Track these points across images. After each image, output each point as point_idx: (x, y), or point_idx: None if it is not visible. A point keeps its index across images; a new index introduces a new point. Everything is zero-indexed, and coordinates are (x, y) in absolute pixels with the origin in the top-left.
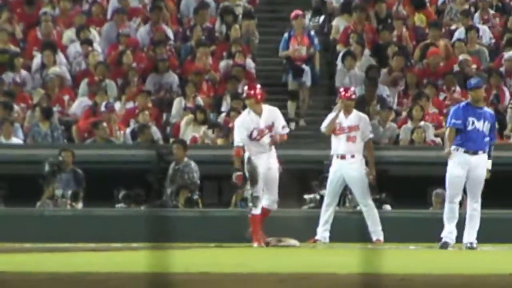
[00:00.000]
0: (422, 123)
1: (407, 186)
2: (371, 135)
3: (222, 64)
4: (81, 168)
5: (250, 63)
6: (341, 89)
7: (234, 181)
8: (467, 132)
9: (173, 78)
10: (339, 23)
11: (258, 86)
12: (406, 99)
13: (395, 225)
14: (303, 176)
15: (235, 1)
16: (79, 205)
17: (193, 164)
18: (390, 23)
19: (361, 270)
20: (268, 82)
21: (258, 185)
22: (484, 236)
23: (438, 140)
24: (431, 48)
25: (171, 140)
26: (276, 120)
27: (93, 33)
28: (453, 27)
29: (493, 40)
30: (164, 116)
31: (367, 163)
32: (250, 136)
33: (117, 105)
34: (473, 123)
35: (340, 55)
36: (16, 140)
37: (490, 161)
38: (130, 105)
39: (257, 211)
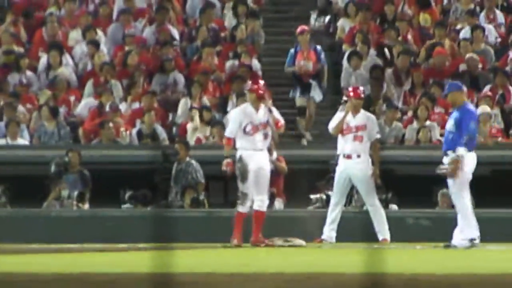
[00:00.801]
0: (427, 122)
1: (413, 186)
2: (378, 135)
3: (228, 64)
4: (87, 168)
5: (256, 63)
6: (350, 88)
7: (224, 168)
8: None
9: (179, 78)
10: (344, 23)
11: (262, 82)
12: (412, 99)
13: (401, 224)
14: (309, 176)
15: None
16: (86, 206)
17: (195, 163)
18: (394, 23)
19: (367, 270)
20: (273, 82)
21: (248, 183)
22: (489, 235)
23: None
24: (437, 48)
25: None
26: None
27: (99, 33)
28: (458, 26)
29: (499, 39)
30: (170, 116)
31: (373, 163)
32: (244, 130)
33: (123, 106)
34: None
35: (346, 55)
36: (22, 141)
37: (462, 149)
38: (136, 105)
39: (243, 209)
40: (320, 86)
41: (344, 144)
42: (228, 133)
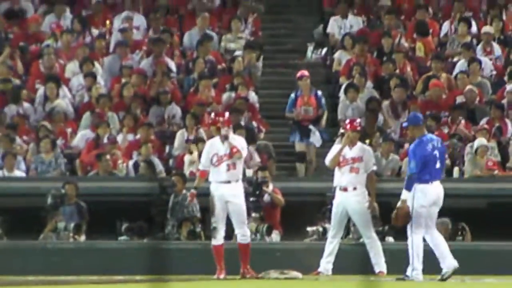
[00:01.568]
0: None
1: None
2: (375, 167)
3: (225, 96)
4: (84, 200)
5: (252, 95)
6: (347, 121)
7: (189, 198)
8: None
9: (175, 110)
10: (341, 56)
11: (227, 114)
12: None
13: (398, 257)
14: (305, 208)
15: (237, 34)
16: (82, 238)
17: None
18: (391, 56)
19: None
20: (270, 115)
21: (216, 216)
22: (486, 268)
23: None
24: (433, 80)
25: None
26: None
27: (96, 65)
28: (455, 59)
29: (495, 72)
30: (167, 148)
31: (369, 195)
32: (211, 162)
33: (120, 138)
34: None
35: (343, 87)
36: (19, 172)
37: (405, 192)
38: (132, 137)
39: (216, 241)
40: (320, 131)
41: (341, 176)
42: (200, 165)
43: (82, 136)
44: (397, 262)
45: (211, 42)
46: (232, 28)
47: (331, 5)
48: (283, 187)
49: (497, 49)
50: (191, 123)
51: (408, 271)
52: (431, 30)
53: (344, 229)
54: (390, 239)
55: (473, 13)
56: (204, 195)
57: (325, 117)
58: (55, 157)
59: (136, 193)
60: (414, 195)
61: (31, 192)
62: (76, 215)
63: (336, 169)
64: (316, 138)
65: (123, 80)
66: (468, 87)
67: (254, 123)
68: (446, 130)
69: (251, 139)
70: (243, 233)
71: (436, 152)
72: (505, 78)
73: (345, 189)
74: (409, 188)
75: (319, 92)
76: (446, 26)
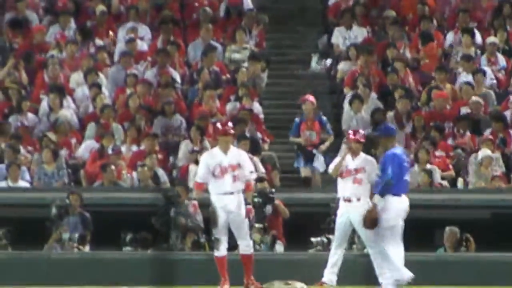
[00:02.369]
0: (428, 166)
1: (414, 229)
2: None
3: (229, 107)
4: (88, 211)
5: (257, 106)
6: (350, 131)
7: (191, 208)
8: None
9: (180, 121)
10: (345, 66)
11: (230, 124)
12: (413, 142)
13: None
14: (310, 219)
15: (242, 44)
16: (86, 248)
17: (190, 205)
18: (393, 66)
19: None
20: (274, 125)
21: (218, 227)
22: (490, 279)
23: (445, 183)
24: (437, 91)
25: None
26: (242, 162)
27: (101, 76)
28: (459, 70)
29: (494, 81)
30: (171, 159)
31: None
32: (213, 174)
33: (124, 148)
34: None
35: (347, 98)
36: (23, 183)
37: (377, 197)
38: (136, 148)
39: (219, 253)
40: (324, 157)
41: (344, 187)
42: (197, 177)
43: (86, 147)
44: None
45: (216, 53)
46: (236, 38)
47: (336, 16)
48: (287, 197)
49: (501, 59)
50: (196, 134)
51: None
52: (435, 42)
53: (348, 240)
54: None
55: (478, 24)
56: (208, 206)
57: (328, 143)
58: (57, 168)
59: (141, 204)
60: (388, 207)
61: (36, 202)
62: (81, 225)
63: (339, 179)
64: (320, 163)
65: (128, 91)
66: (473, 98)
67: (259, 134)
68: (450, 141)
69: (255, 150)
70: (246, 244)
71: (406, 164)
72: (510, 88)
73: (348, 200)
74: (383, 193)
75: (324, 118)
76: (450, 36)
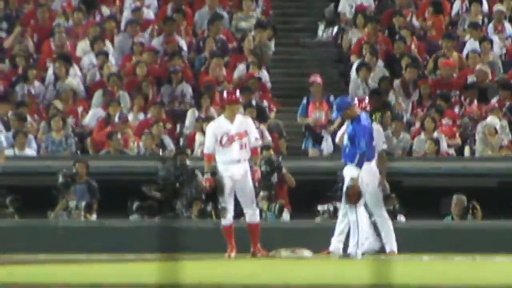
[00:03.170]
0: (435, 134)
1: (421, 197)
2: (384, 146)
3: (236, 75)
4: (95, 179)
5: (265, 75)
6: (356, 100)
7: (204, 184)
8: None
9: (186, 89)
10: (352, 34)
11: (238, 92)
12: (420, 110)
13: (409, 236)
14: (316, 187)
15: (248, 12)
16: (93, 217)
17: (200, 175)
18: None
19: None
20: (282, 93)
21: (225, 196)
22: (496, 246)
23: (452, 151)
24: (444, 60)
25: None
26: (249, 129)
27: (107, 44)
28: (466, 38)
29: (504, 51)
30: (178, 127)
31: (380, 173)
32: (220, 143)
33: (131, 116)
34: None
35: (354, 66)
36: (30, 151)
37: (355, 169)
38: (143, 116)
39: (226, 221)
40: (332, 138)
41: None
42: (205, 149)
43: (93, 115)
44: (409, 241)
45: (222, 21)
46: (243, 7)
47: None
48: (295, 166)
49: (508, 27)
50: (207, 102)
51: (353, 248)
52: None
53: None
54: (401, 218)
55: None
56: (215, 174)
57: (336, 124)
58: (65, 136)
59: (148, 172)
60: (366, 175)
61: (42, 171)
62: (87, 193)
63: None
64: (328, 145)
65: (134, 59)
66: (479, 66)
67: (265, 102)
68: (457, 110)
69: (262, 118)
70: (252, 213)
71: (372, 131)
72: None
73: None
74: (360, 165)
75: (331, 97)
76: (457, 5)
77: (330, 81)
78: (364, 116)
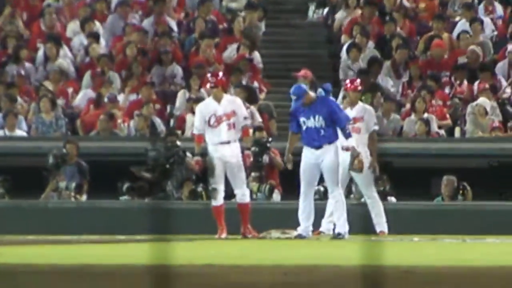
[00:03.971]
0: (425, 115)
1: (411, 178)
2: (376, 127)
3: (226, 55)
4: (85, 160)
5: (256, 56)
6: (347, 81)
7: (192, 166)
8: (304, 132)
9: (177, 70)
10: (343, 15)
11: (221, 73)
12: (410, 91)
13: (399, 217)
14: None
15: None
16: (83, 197)
17: (190, 155)
18: (391, 15)
19: (365, 262)
20: (272, 74)
21: (215, 177)
22: (488, 227)
23: (442, 132)
24: (435, 41)
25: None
26: (237, 109)
27: (97, 25)
28: (456, 19)
29: (495, 32)
30: (168, 108)
31: (371, 155)
32: (208, 123)
33: (121, 97)
34: (304, 122)
35: (345, 47)
36: (20, 132)
37: (351, 139)
38: (134, 97)
39: (216, 202)
40: None
41: (342, 136)
42: (194, 129)
43: (83, 96)
44: (399, 222)
45: (212, 2)
46: None
47: None
48: (284, 147)
49: (499, 8)
50: (196, 83)
51: (341, 228)
52: None
53: (346, 189)
54: (392, 199)
55: None
56: (206, 155)
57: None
58: (55, 117)
59: (138, 153)
60: (337, 151)
61: (33, 151)
62: (78, 174)
63: (338, 129)
64: None
65: (125, 39)
66: (471, 47)
67: (256, 83)
68: (447, 91)
69: (252, 99)
70: (243, 193)
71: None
72: (508, 36)
73: (347, 149)
74: (350, 135)
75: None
76: None
77: (320, 61)
78: (323, 94)
